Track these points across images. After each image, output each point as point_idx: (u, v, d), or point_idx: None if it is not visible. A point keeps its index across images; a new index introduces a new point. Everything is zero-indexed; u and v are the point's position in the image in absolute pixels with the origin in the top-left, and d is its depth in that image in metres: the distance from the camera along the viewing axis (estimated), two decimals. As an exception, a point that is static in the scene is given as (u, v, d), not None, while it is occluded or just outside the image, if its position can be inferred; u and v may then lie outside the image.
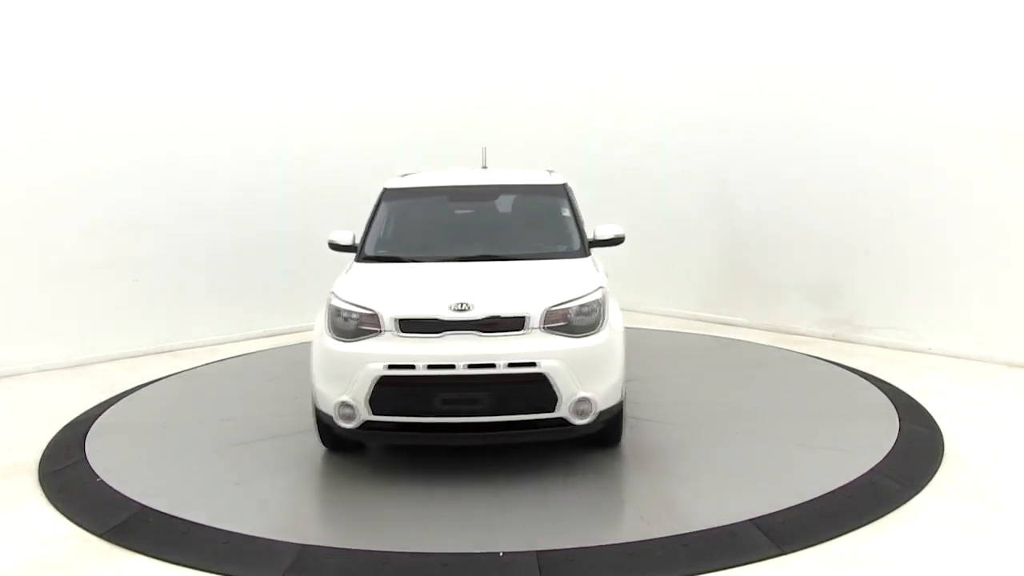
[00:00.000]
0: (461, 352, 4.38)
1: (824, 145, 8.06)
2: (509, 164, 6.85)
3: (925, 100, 7.33)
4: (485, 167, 6.64)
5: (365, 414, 4.42)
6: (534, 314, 4.47)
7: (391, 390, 4.39)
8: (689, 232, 9.10)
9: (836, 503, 4.22)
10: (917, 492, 4.40)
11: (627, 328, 5.03)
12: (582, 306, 4.57)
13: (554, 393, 4.36)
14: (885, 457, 4.78)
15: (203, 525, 4.06)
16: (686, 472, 4.86)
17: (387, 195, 5.93)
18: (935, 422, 5.51)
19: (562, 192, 5.87)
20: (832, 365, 6.99)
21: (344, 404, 4.44)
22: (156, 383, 6.77)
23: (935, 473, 4.66)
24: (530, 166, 6.70)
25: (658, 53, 9.27)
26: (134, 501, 4.35)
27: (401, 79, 9.17)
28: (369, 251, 5.49)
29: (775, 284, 8.57)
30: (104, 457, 5.02)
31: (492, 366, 4.34)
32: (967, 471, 4.69)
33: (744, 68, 8.61)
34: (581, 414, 4.43)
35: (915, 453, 4.93)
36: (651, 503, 4.31)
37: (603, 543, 3.80)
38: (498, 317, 4.45)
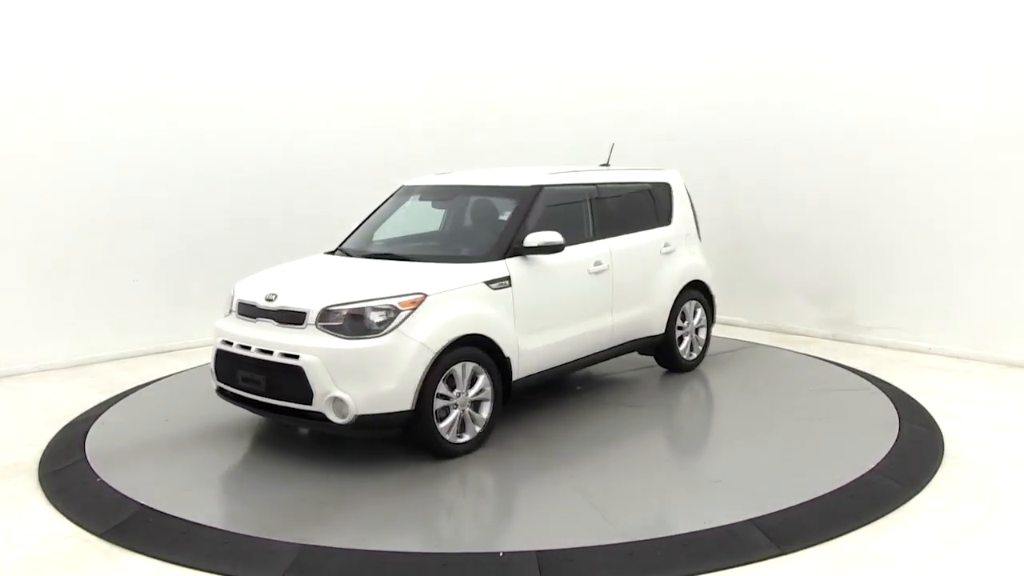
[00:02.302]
0: (256, 337, 4.87)
1: (824, 145, 8.06)
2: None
3: (925, 100, 7.34)
4: (607, 164, 6.80)
5: (213, 380, 5.25)
6: (312, 311, 4.72)
7: (221, 362, 5.12)
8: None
9: (836, 503, 4.22)
10: (917, 492, 4.40)
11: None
12: (359, 309, 4.64)
13: (309, 388, 4.58)
14: (885, 457, 4.78)
15: (203, 525, 4.06)
16: (685, 471, 4.87)
17: (397, 192, 6.40)
18: (935, 422, 5.51)
19: (527, 194, 5.58)
20: (832, 365, 6.99)
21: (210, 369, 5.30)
22: (156, 383, 6.77)
23: (935, 473, 4.66)
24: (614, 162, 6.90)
25: (654, 46, 9.28)
26: (134, 501, 4.34)
27: (408, 83, 9.17)
28: (338, 244, 6.01)
29: (775, 284, 8.58)
30: (104, 457, 5.01)
31: (270, 353, 4.75)
32: (967, 471, 4.69)
33: (743, 65, 8.61)
34: (338, 413, 4.59)
35: (915, 453, 4.93)
36: (651, 503, 4.31)
37: (603, 543, 3.79)
38: (286, 310, 4.82)
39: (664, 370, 6.77)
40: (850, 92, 7.82)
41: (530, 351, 5.26)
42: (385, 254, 5.58)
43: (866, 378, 6.52)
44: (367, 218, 6.30)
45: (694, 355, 6.82)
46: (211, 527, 4.04)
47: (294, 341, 4.68)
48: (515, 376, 5.16)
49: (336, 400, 4.56)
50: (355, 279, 5.12)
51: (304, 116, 8.64)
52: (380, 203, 6.42)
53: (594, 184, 6.08)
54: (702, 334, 6.90)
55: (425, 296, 4.74)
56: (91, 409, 6.09)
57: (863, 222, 7.87)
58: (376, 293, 4.73)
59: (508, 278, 5.16)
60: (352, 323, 4.63)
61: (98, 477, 4.70)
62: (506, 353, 5.06)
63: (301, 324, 4.72)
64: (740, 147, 8.61)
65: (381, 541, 3.88)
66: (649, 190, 6.59)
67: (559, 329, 5.52)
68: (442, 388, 4.76)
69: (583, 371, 6.55)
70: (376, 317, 4.62)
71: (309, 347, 4.61)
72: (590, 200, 5.99)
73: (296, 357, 4.62)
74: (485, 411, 5.01)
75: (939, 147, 7.26)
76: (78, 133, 7.45)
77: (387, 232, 6.13)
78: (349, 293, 4.78)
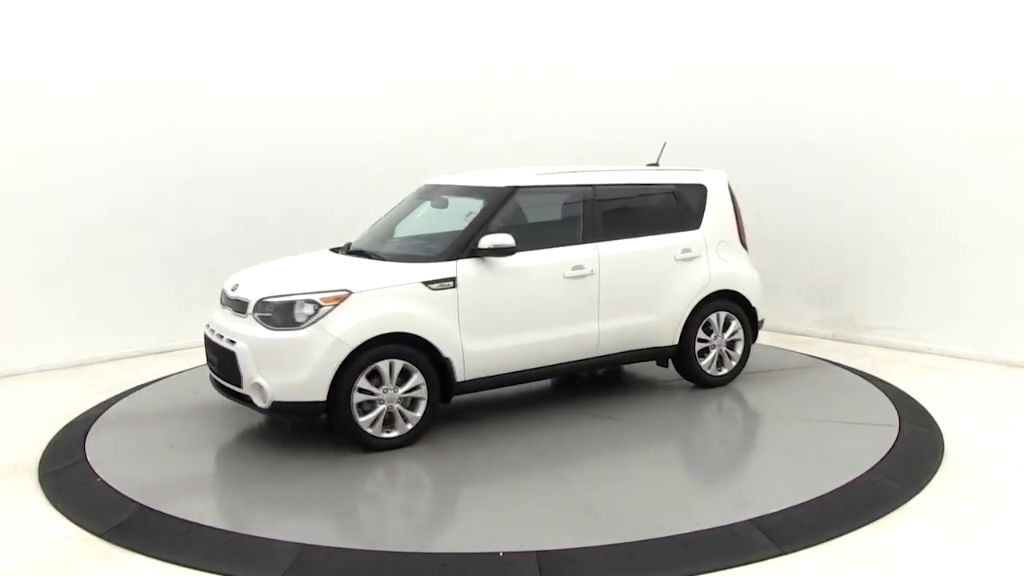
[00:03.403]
0: (219, 323, 5.30)
1: (825, 144, 8.06)
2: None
3: (926, 100, 7.34)
4: (656, 164, 6.62)
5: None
6: (251, 302, 5.04)
7: (205, 346, 5.47)
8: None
9: (836, 503, 4.22)
10: (917, 492, 4.39)
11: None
12: (286, 302, 4.91)
13: (239, 372, 4.93)
14: (885, 457, 4.78)
15: (203, 525, 4.06)
16: (685, 471, 4.87)
17: (416, 191, 6.40)
18: (935, 422, 5.51)
19: (498, 195, 5.55)
20: (832, 365, 6.99)
21: None
22: (156, 383, 6.77)
23: (935, 473, 4.66)
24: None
25: (651, 45, 9.27)
26: (134, 501, 4.34)
27: (409, 83, 9.17)
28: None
29: (775, 284, 8.55)
30: (104, 457, 5.01)
31: (221, 338, 5.14)
32: (967, 471, 4.69)
33: (744, 65, 8.61)
34: (259, 398, 4.92)
35: (915, 453, 4.93)
36: (651, 502, 4.31)
37: (603, 543, 3.79)
38: (238, 300, 5.17)
39: (661, 369, 6.54)
40: (850, 92, 7.82)
41: (479, 353, 5.25)
42: (364, 252, 5.71)
43: (866, 378, 6.52)
44: (386, 216, 6.35)
45: (723, 371, 6.31)
46: (211, 527, 4.04)
47: (236, 328, 5.07)
48: (462, 377, 5.22)
49: (257, 385, 4.88)
50: (303, 274, 5.36)
51: (304, 116, 8.63)
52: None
53: (590, 185, 5.86)
54: (738, 349, 6.38)
55: (350, 293, 4.92)
56: (91, 409, 6.09)
57: (863, 222, 7.87)
58: (305, 288, 4.98)
59: (453, 279, 5.17)
60: (281, 315, 4.90)
61: (98, 477, 4.70)
62: (445, 354, 5.12)
63: (244, 313, 5.06)
64: (740, 147, 8.61)
65: (381, 541, 3.88)
66: (673, 192, 6.23)
67: (521, 333, 5.41)
68: (366, 383, 4.91)
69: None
70: (303, 310, 4.87)
71: (243, 335, 4.97)
72: (584, 202, 5.80)
73: (233, 343, 5.00)
74: (420, 409, 5.09)
75: (939, 147, 7.26)
76: (78, 133, 7.45)
77: (387, 231, 6.13)
78: (284, 287, 5.04)
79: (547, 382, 6.53)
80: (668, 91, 9.15)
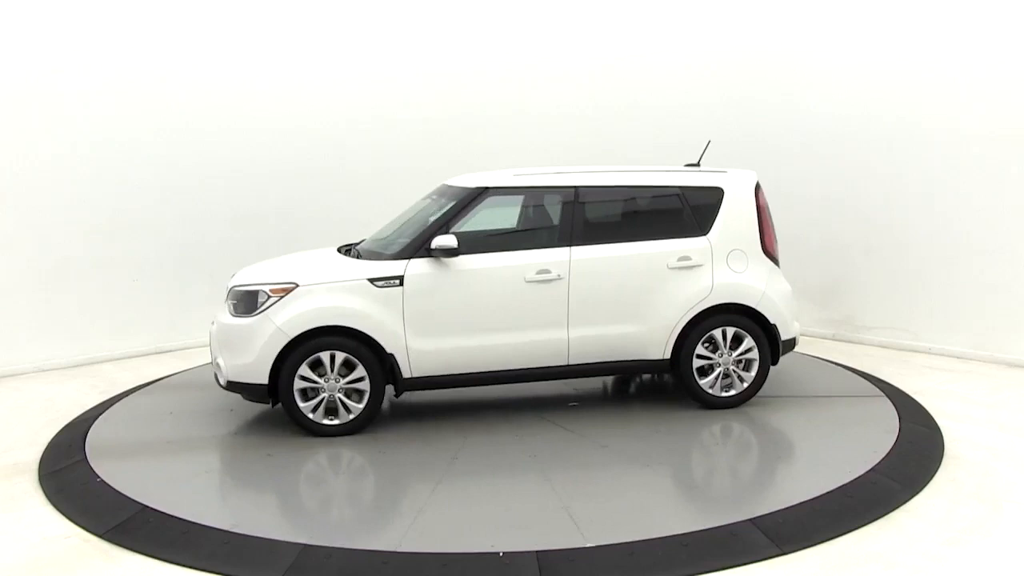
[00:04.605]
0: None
1: (824, 144, 8.06)
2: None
3: (925, 100, 7.34)
4: (697, 164, 6.21)
5: None
6: (227, 290, 5.57)
7: None
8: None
9: (836, 503, 4.22)
10: (917, 492, 4.40)
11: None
12: (246, 292, 5.38)
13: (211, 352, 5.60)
14: (885, 457, 4.78)
15: (203, 525, 4.06)
16: (684, 471, 4.86)
17: (432, 191, 6.39)
18: (935, 422, 5.51)
19: (466, 196, 5.56)
20: (832, 365, 6.99)
21: None
22: (156, 383, 6.77)
23: (935, 473, 4.66)
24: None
25: (648, 41, 9.24)
26: (134, 501, 4.34)
27: (410, 83, 9.17)
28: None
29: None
30: (104, 457, 5.01)
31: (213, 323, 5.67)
32: (967, 471, 4.69)
33: (740, 61, 8.62)
34: (219, 375, 5.44)
35: (915, 453, 4.93)
36: (650, 502, 4.31)
37: (603, 543, 3.79)
38: (228, 289, 5.59)
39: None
40: (851, 92, 7.82)
41: (426, 352, 5.31)
42: (354, 249, 5.89)
43: (866, 378, 6.52)
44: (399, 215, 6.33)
45: (731, 393, 5.74)
46: (211, 527, 4.04)
47: (218, 314, 5.60)
48: (409, 374, 5.34)
49: (217, 364, 5.42)
50: (276, 268, 5.64)
51: (304, 116, 8.63)
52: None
53: (572, 187, 5.65)
54: (753, 370, 5.74)
55: (296, 286, 5.25)
56: (91, 409, 6.10)
57: (863, 222, 7.87)
58: (261, 280, 5.39)
59: (400, 278, 5.28)
60: (244, 303, 5.36)
61: (98, 477, 4.70)
62: (388, 350, 5.27)
63: (226, 300, 5.56)
64: (740, 146, 8.60)
65: (381, 541, 3.88)
66: (679, 195, 5.77)
67: (473, 335, 5.38)
68: (309, 372, 5.21)
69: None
70: (258, 299, 5.29)
71: (216, 320, 5.56)
72: (564, 204, 5.63)
73: (213, 325, 5.61)
74: (363, 400, 5.30)
75: (939, 147, 7.27)
76: (78, 134, 7.46)
77: (387, 230, 6.09)
78: (249, 278, 5.49)
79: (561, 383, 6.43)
80: (668, 91, 9.14)
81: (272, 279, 5.36)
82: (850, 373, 6.71)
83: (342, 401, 5.28)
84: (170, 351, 7.95)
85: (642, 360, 5.67)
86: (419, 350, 5.30)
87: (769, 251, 5.91)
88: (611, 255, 5.57)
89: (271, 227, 8.41)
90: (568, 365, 5.58)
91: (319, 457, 5.01)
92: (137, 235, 7.80)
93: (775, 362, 5.84)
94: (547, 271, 5.44)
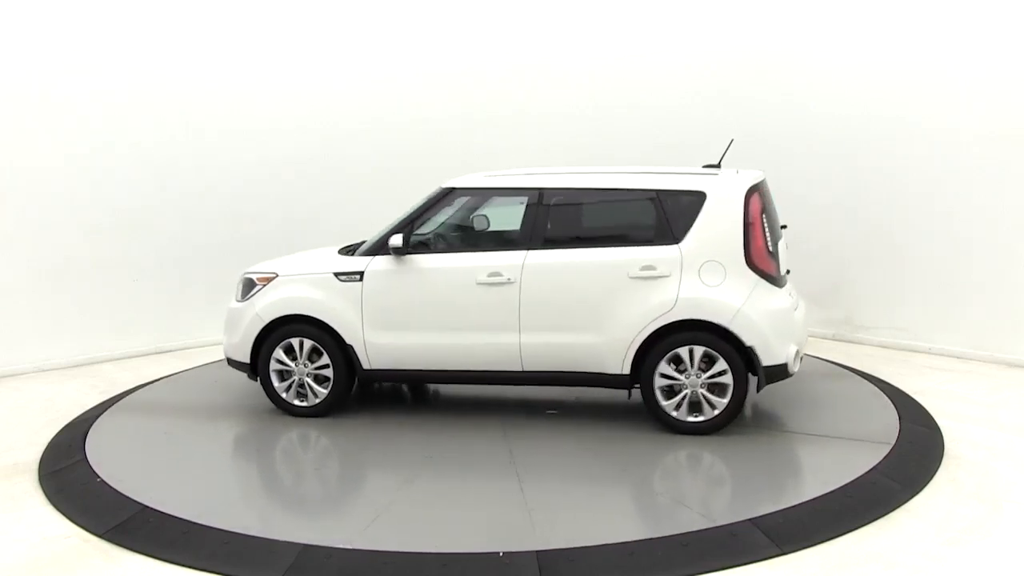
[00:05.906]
0: None
1: (824, 144, 8.06)
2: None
3: (925, 99, 7.34)
4: (717, 165, 5.84)
5: None
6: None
7: None
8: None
9: (836, 503, 4.22)
10: (917, 492, 4.39)
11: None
12: (244, 280, 5.93)
13: None
14: (885, 457, 4.78)
15: (203, 525, 4.06)
16: (684, 471, 4.86)
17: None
18: (935, 422, 5.51)
19: (433, 196, 5.71)
20: (832, 365, 6.99)
21: None
22: (156, 383, 6.78)
23: (935, 473, 4.66)
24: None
25: (648, 41, 9.24)
26: (134, 501, 4.34)
27: (410, 83, 9.17)
28: None
29: (775, 284, 8.56)
30: (104, 457, 5.01)
31: None
32: (967, 471, 4.69)
33: (741, 61, 8.61)
34: (223, 352, 6.07)
35: (915, 453, 4.93)
36: (649, 503, 4.31)
37: (603, 543, 3.79)
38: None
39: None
40: (850, 91, 7.82)
41: (381, 346, 5.53)
42: (346, 247, 6.14)
43: (866, 378, 6.52)
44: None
45: (699, 417, 5.18)
46: (211, 527, 4.04)
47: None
48: (367, 365, 5.60)
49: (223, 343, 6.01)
50: (278, 260, 6.10)
51: (305, 117, 8.62)
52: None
53: (536, 189, 5.47)
54: (727, 395, 5.12)
55: (276, 276, 5.75)
56: (91, 409, 6.10)
57: (863, 222, 7.87)
58: (257, 269, 5.93)
59: (360, 273, 5.56)
60: (245, 289, 5.89)
61: (98, 477, 4.70)
62: (348, 341, 5.57)
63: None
64: (740, 146, 8.57)
65: (381, 541, 3.88)
66: (654, 199, 5.32)
67: (424, 333, 5.45)
68: (283, 356, 5.67)
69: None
70: (251, 287, 5.82)
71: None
72: (528, 206, 5.47)
73: None
74: (327, 386, 5.67)
75: (939, 147, 7.26)
76: (78, 135, 7.45)
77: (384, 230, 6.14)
78: (255, 268, 5.98)
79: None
80: (668, 91, 9.13)
81: (261, 269, 5.89)
82: (850, 373, 6.71)
83: (310, 385, 5.69)
84: (170, 351, 7.95)
85: (600, 373, 5.31)
86: (375, 343, 5.53)
87: (756, 264, 5.19)
88: (568, 261, 5.31)
89: (271, 227, 8.40)
90: (523, 371, 5.40)
91: (319, 457, 5.01)
92: (137, 235, 7.80)
93: (758, 389, 5.22)
94: (499, 274, 5.32)
